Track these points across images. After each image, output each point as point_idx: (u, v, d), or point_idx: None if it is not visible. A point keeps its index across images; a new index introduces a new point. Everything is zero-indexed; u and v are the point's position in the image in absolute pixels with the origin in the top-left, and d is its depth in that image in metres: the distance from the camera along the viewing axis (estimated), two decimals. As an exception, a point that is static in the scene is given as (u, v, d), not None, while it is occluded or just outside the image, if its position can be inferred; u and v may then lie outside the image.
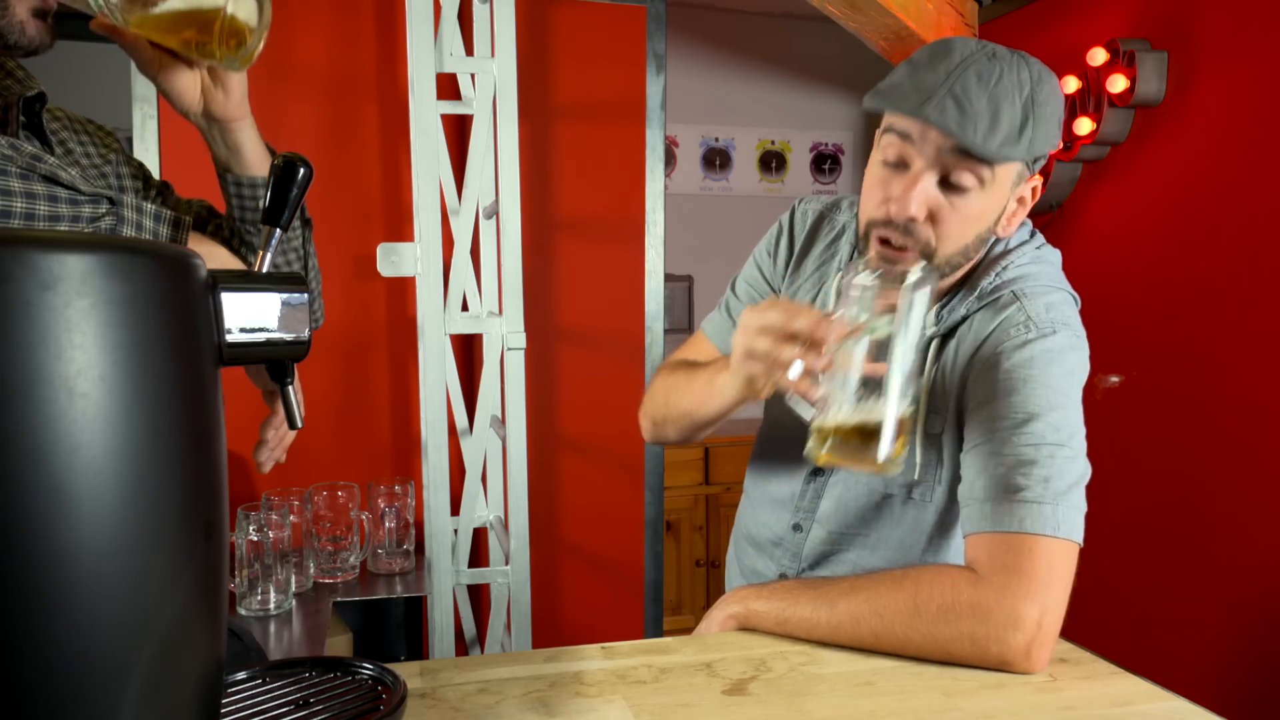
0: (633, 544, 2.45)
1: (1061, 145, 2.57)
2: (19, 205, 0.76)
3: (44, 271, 0.41)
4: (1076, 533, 0.90)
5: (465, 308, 1.99)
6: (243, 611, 1.72)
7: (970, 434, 0.98)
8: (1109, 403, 2.50)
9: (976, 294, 1.02)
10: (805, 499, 1.13)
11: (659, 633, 2.51)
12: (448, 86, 2.08)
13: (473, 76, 1.88)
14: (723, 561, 3.62)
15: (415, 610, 2.26)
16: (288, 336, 0.59)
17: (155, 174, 1.97)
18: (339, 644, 1.93)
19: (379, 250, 1.85)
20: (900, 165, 0.96)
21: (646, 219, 2.39)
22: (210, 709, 0.53)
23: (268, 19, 0.88)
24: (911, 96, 0.92)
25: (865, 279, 0.81)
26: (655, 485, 2.45)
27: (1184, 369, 2.31)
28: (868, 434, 0.81)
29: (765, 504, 1.19)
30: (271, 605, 1.72)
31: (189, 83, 0.92)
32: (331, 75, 2.13)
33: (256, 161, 1.00)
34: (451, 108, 2.01)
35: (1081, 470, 0.93)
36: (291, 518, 1.79)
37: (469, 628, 2.09)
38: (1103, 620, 2.52)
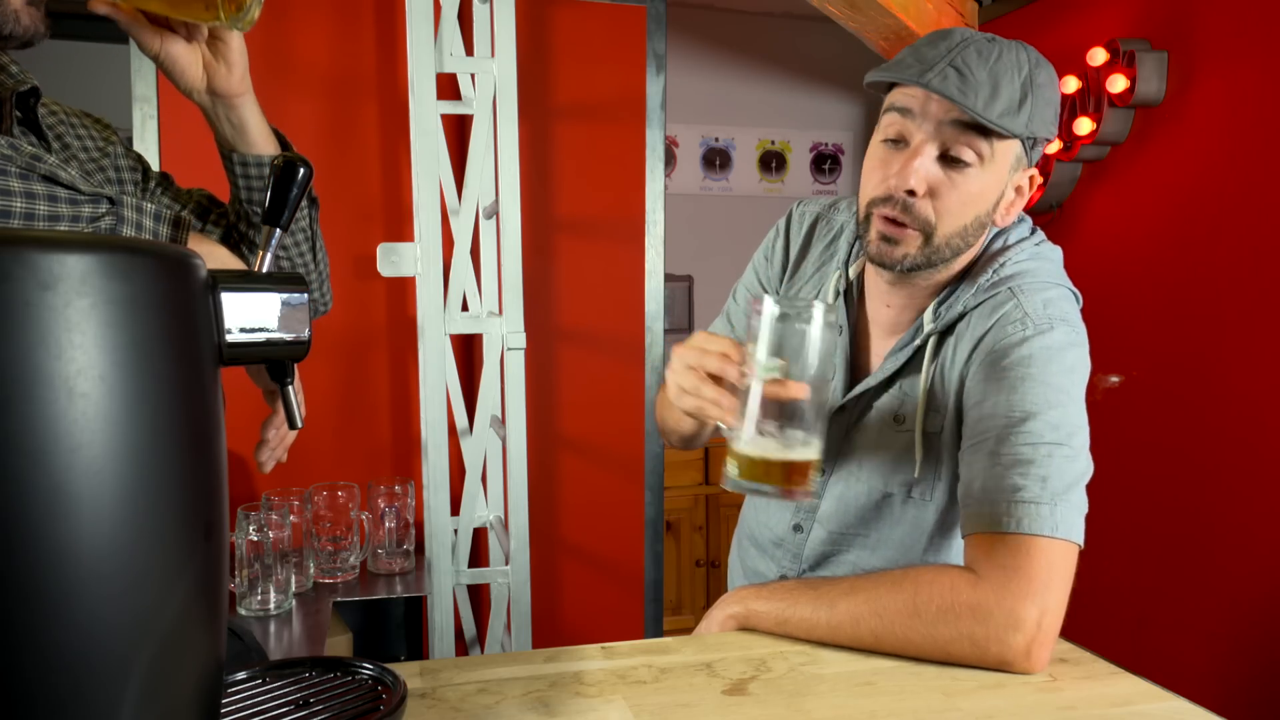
0: (633, 544, 2.45)
1: (1061, 145, 2.57)
2: (19, 205, 0.76)
3: (44, 271, 0.41)
4: (1076, 533, 0.90)
5: (465, 308, 1.99)
6: (243, 611, 1.72)
7: (968, 433, 0.98)
8: (1109, 403, 2.50)
9: (974, 290, 1.02)
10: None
11: (659, 633, 2.51)
12: (448, 86, 2.08)
13: (473, 76, 1.88)
14: (722, 561, 3.63)
15: (415, 610, 2.26)
16: (288, 336, 0.59)
17: (155, 174, 1.97)
18: (339, 644, 1.93)
19: (379, 250, 1.85)
20: (900, 142, 0.98)
21: (646, 219, 2.39)
22: (210, 709, 0.53)
23: None
24: (913, 67, 0.94)
25: (769, 308, 0.82)
26: (655, 485, 2.45)
27: (1184, 369, 2.31)
28: (769, 467, 0.83)
29: (766, 504, 1.19)
30: (271, 605, 1.72)
31: (191, 59, 0.92)
32: (331, 75, 2.13)
33: (261, 139, 1.00)
34: (451, 108, 2.01)
35: (1082, 469, 0.92)
36: (291, 518, 1.79)
37: (469, 628, 2.09)
38: (1103, 620, 2.52)
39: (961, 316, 1.03)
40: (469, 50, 1.99)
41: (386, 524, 2.00)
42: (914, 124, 0.96)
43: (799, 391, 0.81)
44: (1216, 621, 2.22)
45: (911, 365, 1.06)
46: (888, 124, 0.98)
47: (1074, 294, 1.04)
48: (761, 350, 0.83)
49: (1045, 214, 2.71)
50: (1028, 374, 0.94)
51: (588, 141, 2.34)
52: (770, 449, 0.83)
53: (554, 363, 2.36)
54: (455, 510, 1.94)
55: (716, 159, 3.88)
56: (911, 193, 0.96)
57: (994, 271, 1.02)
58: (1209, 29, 2.25)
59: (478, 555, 2.19)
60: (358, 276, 2.14)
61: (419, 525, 2.06)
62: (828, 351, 0.83)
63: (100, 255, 0.44)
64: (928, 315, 1.04)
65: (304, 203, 1.05)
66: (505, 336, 1.85)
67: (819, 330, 0.82)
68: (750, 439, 0.83)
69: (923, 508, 1.07)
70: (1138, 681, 0.88)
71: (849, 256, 1.13)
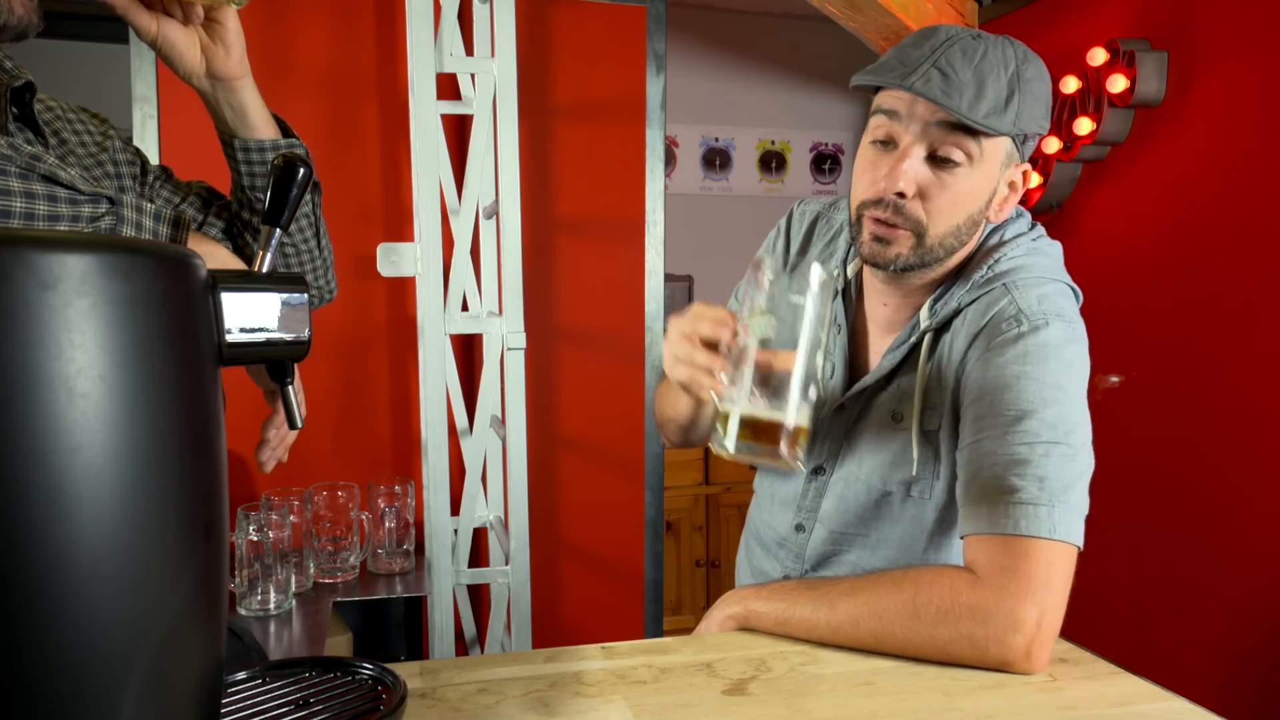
0: (633, 544, 2.45)
1: (1061, 145, 2.57)
2: (18, 205, 0.76)
3: (44, 271, 0.41)
4: (1074, 534, 0.89)
5: (465, 308, 1.99)
6: (243, 611, 1.72)
7: (965, 431, 0.98)
8: (1109, 403, 2.50)
9: (969, 286, 1.02)
10: (807, 498, 1.13)
11: (659, 633, 2.51)
12: (448, 86, 2.08)
13: (473, 76, 1.88)
14: (723, 561, 3.63)
15: (415, 610, 2.26)
16: (288, 336, 0.59)
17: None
18: (339, 644, 1.93)
19: (379, 250, 1.85)
20: (888, 144, 0.97)
21: (646, 219, 2.39)
22: (210, 709, 0.53)
23: None
24: (896, 70, 0.93)
25: (767, 268, 0.83)
26: (655, 485, 2.45)
27: (1184, 369, 2.31)
28: (759, 429, 0.82)
29: (771, 504, 1.19)
30: (271, 605, 1.72)
31: (189, 43, 0.92)
32: (331, 75, 2.13)
33: (262, 123, 1.00)
34: (451, 108, 2.01)
35: (1081, 468, 0.92)
36: (291, 518, 1.79)
37: (469, 628, 2.09)
38: (1103, 620, 2.52)
39: (957, 313, 1.03)
40: (469, 50, 1.99)
41: (386, 524, 2.00)
42: (901, 126, 0.95)
43: (789, 358, 0.81)
44: (1217, 621, 2.22)
45: (909, 362, 1.06)
46: (875, 125, 0.98)
47: (1072, 289, 1.04)
48: (755, 310, 0.83)
49: (1045, 214, 2.71)
50: (1023, 371, 0.94)
51: (588, 141, 2.34)
52: (760, 410, 0.82)
53: (554, 363, 2.36)
54: (455, 510, 1.94)
55: (716, 159, 3.88)
56: (901, 195, 0.96)
57: (989, 267, 1.02)
58: (1209, 29, 2.25)
59: (478, 555, 2.19)
60: (358, 276, 2.14)
61: (419, 525, 2.06)
62: (821, 315, 0.82)
63: (100, 255, 0.44)
64: (924, 312, 1.04)
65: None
66: (505, 336, 1.85)
67: (815, 293, 0.81)
68: (742, 400, 0.83)
69: (922, 506, 1.07)
70: (1138, 681, 0.88)
71: (847, 255, 1.13)
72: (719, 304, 1.14)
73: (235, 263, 1.05)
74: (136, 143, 1.99)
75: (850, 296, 1.12)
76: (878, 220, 0.98)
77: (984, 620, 0.87)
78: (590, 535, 2.42)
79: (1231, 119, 2.19)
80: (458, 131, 2.14)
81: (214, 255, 1.02)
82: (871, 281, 1.09)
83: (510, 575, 1.89)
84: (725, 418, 0.84)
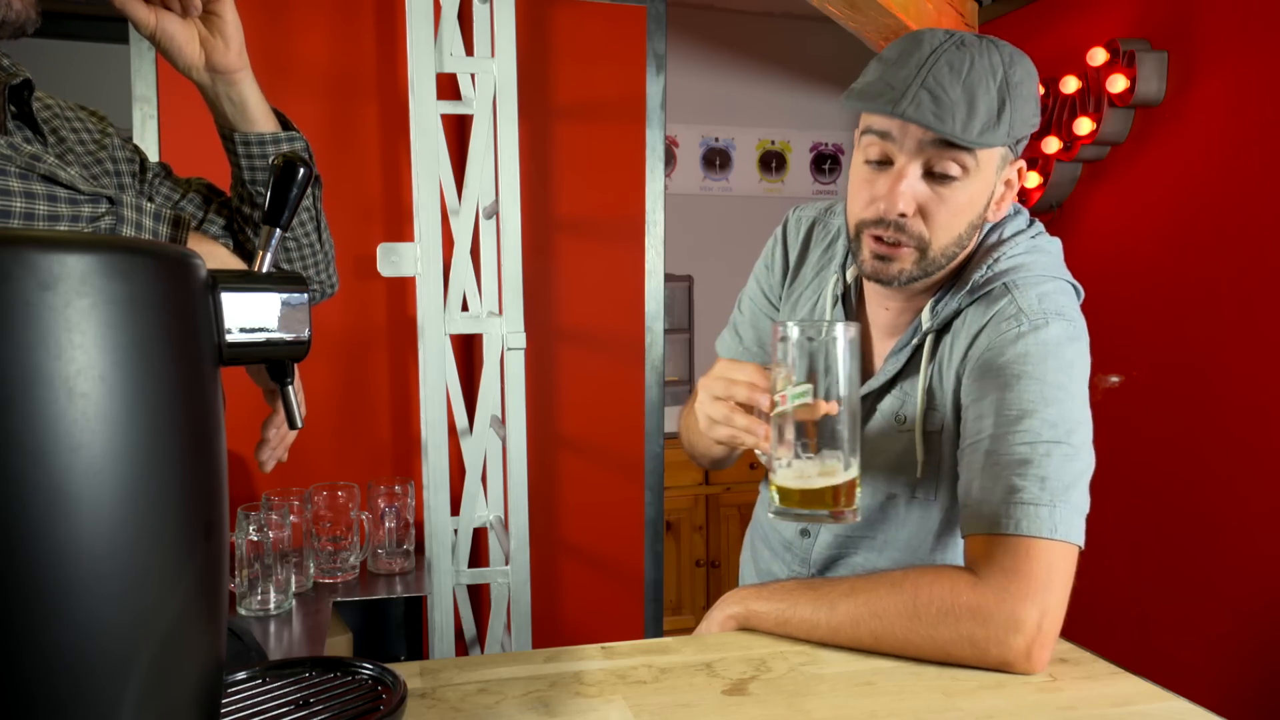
0: (633, 544, 2.45)
1: (1061, 145, 2.57)
2: (18, 205, 0.76)
3: (44, 271, 0.41)
4: (1076, 534, 0.89)
5: (465, 308, 1.99)
6: (243, 611, 1.71)
7: (966, 432, 0.98)
8: (1109, 403, 2.50)
9: (969, 287, 1.01)
10: None
11: (659, 633, 2.51)
12: (448, 86, 2.08)
13: (473, 76, 1.88)
14: (723, 561, 3.63)
15: (415, 610, 2.26)
16: (288, 336, 0.59)
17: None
18: (339, 644, 1.93)
19: (379, 250, 1.85)
20: (883, 163, 0.97)
21: (646, 219, 2.39)
22: (210, 709, 0.53)
23: None
24: (885, 95, 0.92)
25: (793, 332, 0.83)
26: (655, 485, 2.45)
27: (1184, 369, 2.31)
28: (812, 495, 0.83)
29: None
30: (271, 605, 1.72)
31: (187, 36, 0.92)
32: (331, 75, 2.13)
33: (262, 116, 1.00)
34: (451, 108, 2.01)
35: (1082, 467, 0.92)
36: (291, 518, 1.79)
37: (469, 628, 2.09)
38: (1103, 620, 2.52)
39: (957, 314, 1.03)
40: (469, 50, 1.99)
41: (386, 524, 2.00)
42: (895, 146, 0.95)
43: (831, 412, 0.81)
44: (1217, 622, 2.22)
45: (911, 365, 1.06)
46: (868, 144, 0.97)
47: (1073, 286, 1.03)
48: (789, 375, 0.83)
49: (1045, 214, 2.71)
50: (1024, 371, 0.94)
51: (588, 141, 2.33)
52: (811, 475, 0.83)
53: (554, 363, 2.36)
54: (455, 510, 1.94)
55: (716, 159, 3.88)
56: (903, 215, 0.96)
57: (988, 267, 1.01)
58: (1209, 29, 2.25)
59: (478, 555, 2.18)
60: (358, 276, 2.14)
61: (419, 525, 2.06)
62: (855, 369, 0.83)
63: (100, 255, 0.44)
64: (925, 314, 1.04)
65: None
66: (505, 336, 1.85)
67: (844, 349, 0.81)
68: (789, 466, 0.84)
69: (927, 508, 1.06)
70: (1138, 681, 0.88)
71: (845, 260, 1.12)
72: (719, 302, 1.12)
73: (235, 262, 1.05)
74: (136, 142, 1.99)
75: (850, 301, 1.12)
76: (879, 239, 0.98)
77: (984, 620, 0.87)
78: (590, 535, 2.42)
79: (1231, 119, 2.19)
80: (458, 131, 2.14)
81: (214, 255, 1.02)
82: (872, 287, 1.09)
83: (510, 575, 1.89)
84: (775, 485, 0.85)
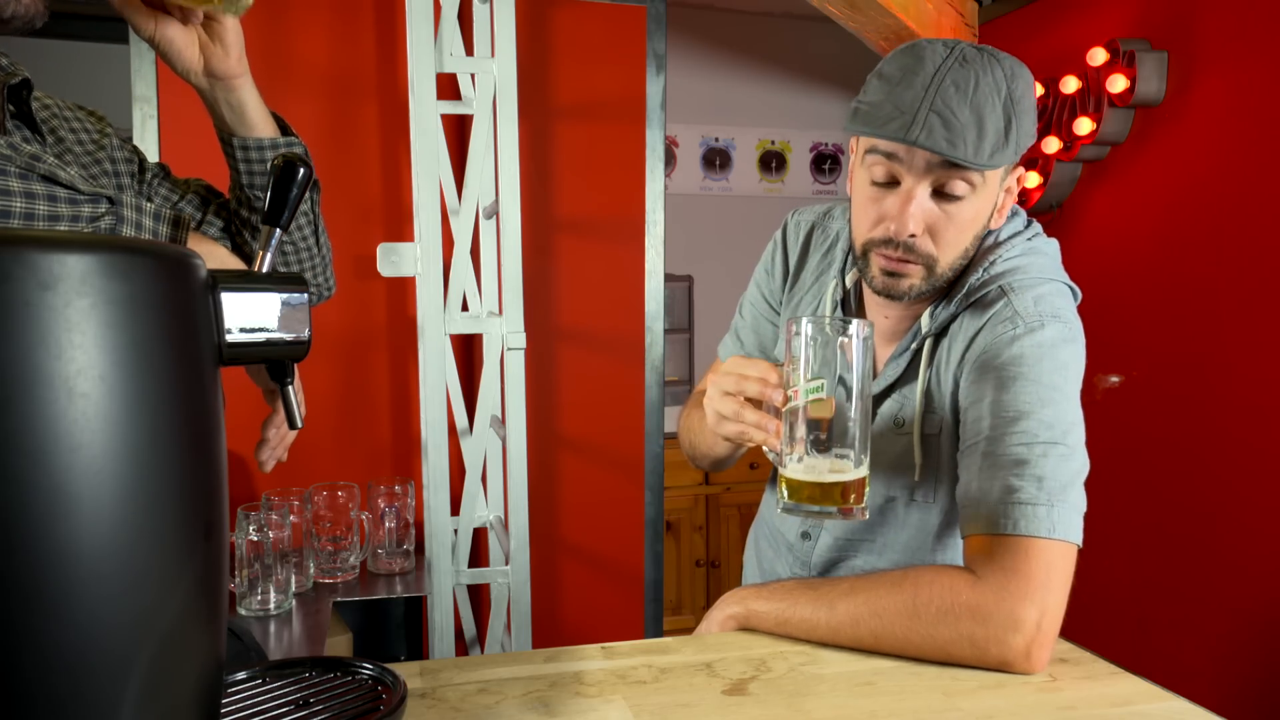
0: (633, 544, 2.45)
1: (1061, 145, 2.57)
2: (18, 205, 0.76)
3: (44, 271, 0.41)
4: (1074, 533, 0.90)
5: (465, 308, 1.99)
6: (243, 611, 1.71)
7: (964, 434, 0.98)
8: (1109, 403, 2.50)
9: (965, 290, 1.02)
10: None
11: (659, 633, 2.51)
12: (448, 86, 2.08)
13: (473, 76, 1.88)
14: (723, 561, 3.62)
15: (415, 610, 2.26)
16: (288, 336, 0.59)
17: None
18: (339, 644, 1.93)
19: (379, 250, 1.85)
20: (890, 183, 0.97)
21: (646, 219, 2.39)
22: (210, 709, 0.53)
23: None
24: (895, 120, 0.91)
25: (806, 328, 0.83)
26: (655, 485, 2.45)
27: (1184, 369, 2.31)
28: (822, 489, 0.84)
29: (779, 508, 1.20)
30: (271, 605, 1.72)
31: (187, 41, 0.92)
32: (331, 75, 2.13)
33: (261, 121, 1.00)
34: (451, 108, 2.01)
35: (1078, 467, 0.92)
36: (291, 518, 1.79)
37: (469, 628, 2.09)
38: (1103, 620, 2.52)
39: (954, 318, 1.03)
40: (469, 50, 1.99)
41: (386, 524, 2.00)
42: (902, 167, 0.95)
43: (843, 411, 0.81)
44: (1217, 621, 2.22)
45: (911, 370, 1.06)
46: (873, 163, 0.97)
47: (1070, 288, 1.03)
48: (802, 372, 0.83)
49: (1045, 214, 2.71)
50: (1020, 373, 0.94)
51: (588, 141, 2.33)
52: (821, 470, 0.83)
53: (554, 363, 2.36)
54: (455, 510, 1.94)
55: (716, 159, 3.88)
56: (913, 236, 0.96)
57: (984, 270, 1.02)
58: (1209, 29, 2.25)
59: (478, 555, 2.18)
60: (358, 276, 2.14)
61: (419, 525, 2.06)
62: (868, 367, 0.83)
63: (100, 255, 0.44)
64: (924, 319, 1.04)
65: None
66: (505, 336, 1.85)
67: (859, 347, 0.81)
68: (800, 462, 0.84)
69: (926, 511, 1.07)
70: (1138, 681, 0.88)
71: (845, 265, 1.13)
72: (719, 302, 1.13)
73: (235, 262, 1.05)
74: (136, 142, 1.99)
75: (850, 306, 1.13)
76: (888, 258, 0.98)
77: (984, 620, 0.87)
78: (590, 535, 2.42)
79: (1231, 119, 2.19)
80: (458, 131, 2.14)
81: (214, 255, 1.02)
82: (871, 295, 1.09)
83: (510, 575, 1.89)
84: (785, 479, 0.85)
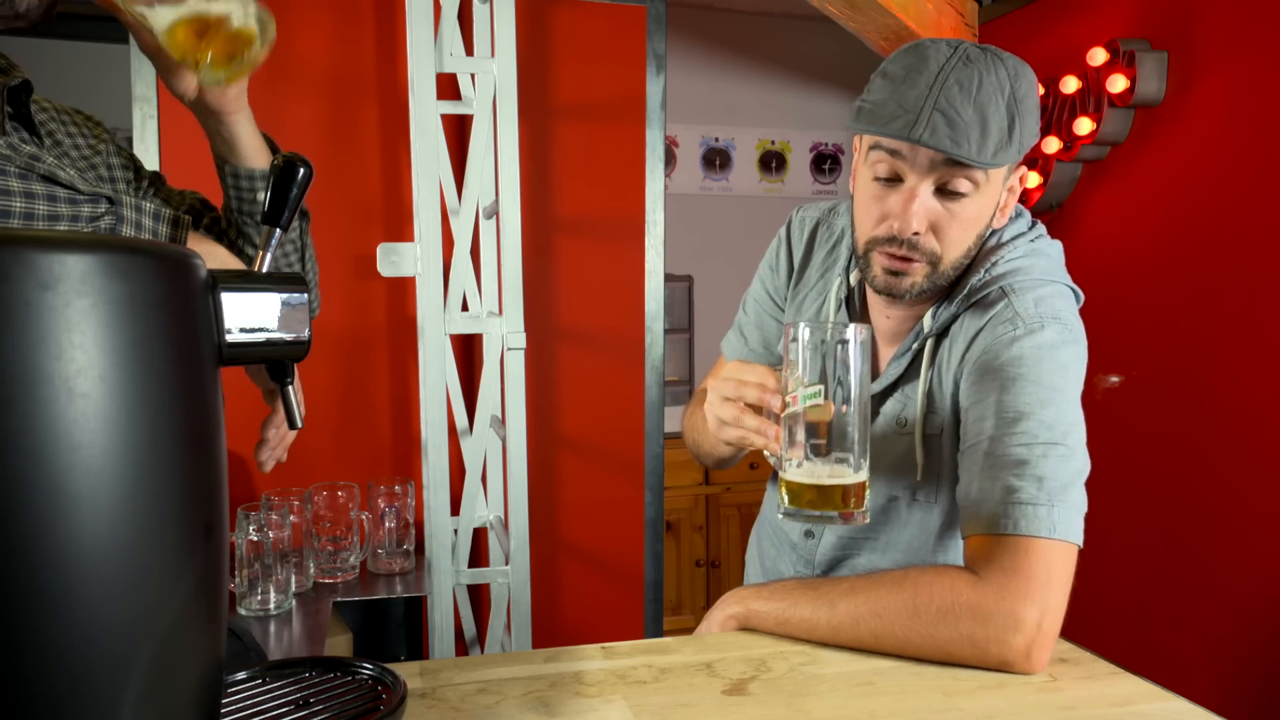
0: (633, 544, 2.45)
1: (1061, 145, 2.57)
2: (18, 205, 0.76)
3: (44, 271, 0.41)
4: (1074, 533, 0.90)
5: (465, 308, 1.99)
6: (243, 611, 1.71)
7: (965, 434, 0.98)
8: (1109, 403, 2.50)
9: (966, 291, 1.02)
10: None
11: (659, 633, 2.51)
12: (448, 86, 2.08)
13: (473, 76, 1.88)
14: (723, 561, 3.62)
15: (415, 610, 2.26)
16: (288, 336, 0.59)
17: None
18: (339, 644, 1.93)
19: (379, 250, 1.85)
20: (893, 180, 0.97)
21: (646, 219, 2.39)
22: (210, 709, 0.53)
23: (271, 35, 0.86)
24: (899, 119, 0.92)
25: (804, 333, 0.83)
26: (655, 485, 2.45)
27: (1184, 369, 2.31)
28: (822, 493, 0.84)
29: None
30: (271, 605, 1.72)
31: (182, 70, 0.91)
32: (331, 75, 2.13)
33: (253, 154, 1.00)
34: (451, 108, 2.01)
35: (1078, 467, 0.92)
36: (291, 518, 1.79)
37: (469, 628, 2.09)
38: (1103, 620, 2.52)
39: (956, 318, 1.03)
40: (469, 50, 1.99)
41: (386, 524, 2.00)
42: (906, 164, 0.95)
43: (842, 414, 0.82)
44: (1217, 621, 2.22)
45: (913, 370, 1.06)
46: (876, 161, 0.97)
47: (1071, 290, 1.04)
48: (801, 377, 0.83)
49: (1045, 214, 2.71)
50: (1020, 374, 0.94)
51: (588, 141, 2.33)
52: (821, 475, 0.83)
53: (554, 363, 2.36)
54: (455, 510, 1.94)
55: (716, 159, 3.88)
56: (916, 233, 0.96)
57: (985, 271, 1.02)
58: (1209, 29, 2.25)
59: (478, 555, 2.18)
60: (358, 276, 2.14)
61: (419, 525, 2.06)
62: (866, 371, 0.83)
63: (100, 255, 0.44)
64: (926, 319, 1.04)
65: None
66: (505, 336, 1.85)
67: (856, 351, 0.82)
68: (799, 467, 0.84)
69: (928, 510, 1.07)
70: (1138, 681, 0.88)
71: (849, 264, 1.13)
72: (719, 302, 1.13)
73: (235, 263, 1.04)
74: (136, 142, 1.99)
75: (854, 305, 1.13)
76: (891, 256, 0.98)
77: (984, 620, 0.87)
78: (590, 535, 2.42)
79: (1231, 119, 2.19)
80: (458, 131, 2.14)
81: (214, 255, 1.02)
82: (874, 295, 1.09)
83: (510, 575, 1.89)
84: (785, 484, 0.85)
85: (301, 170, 0.72)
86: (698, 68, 3.77)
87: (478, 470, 1.96)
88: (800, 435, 0.84)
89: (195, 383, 0.49)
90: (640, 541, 2.45)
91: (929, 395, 1.04)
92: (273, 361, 0.62)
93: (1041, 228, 1.09)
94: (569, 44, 2.29)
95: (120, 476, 0.44)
